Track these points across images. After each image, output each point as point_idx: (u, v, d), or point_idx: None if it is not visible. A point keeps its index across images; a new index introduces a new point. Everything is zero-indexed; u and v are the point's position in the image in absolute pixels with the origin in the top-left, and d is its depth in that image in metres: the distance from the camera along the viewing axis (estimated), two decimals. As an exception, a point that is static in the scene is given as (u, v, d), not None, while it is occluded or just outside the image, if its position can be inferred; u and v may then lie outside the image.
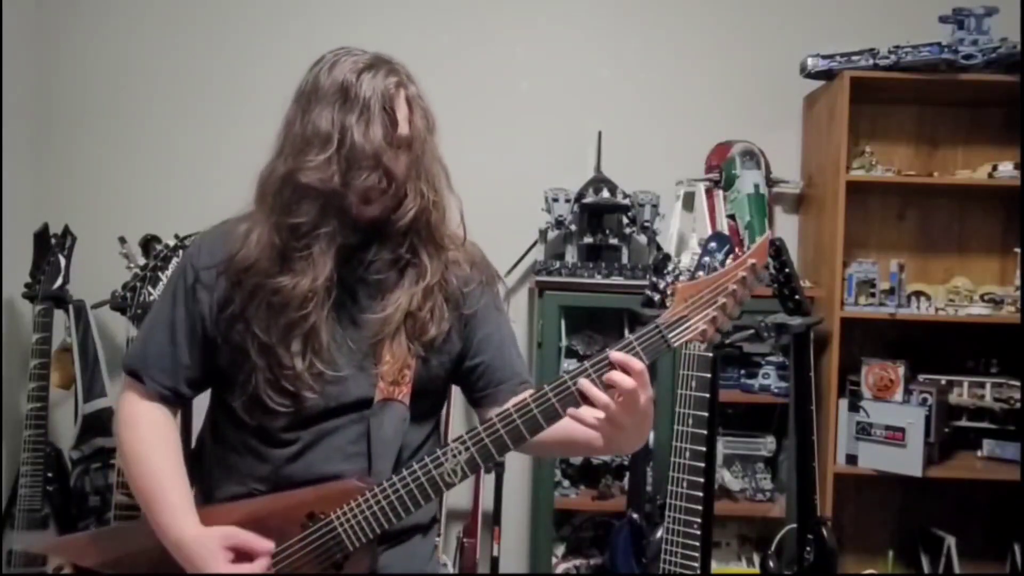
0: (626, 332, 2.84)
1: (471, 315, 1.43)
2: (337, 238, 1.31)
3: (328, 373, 1.33)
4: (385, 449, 1.36)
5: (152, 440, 1.38)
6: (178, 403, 1.43)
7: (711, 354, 2.03)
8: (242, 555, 1.31)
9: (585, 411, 1.26)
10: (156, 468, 1.36)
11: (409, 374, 1.37)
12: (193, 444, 1.50)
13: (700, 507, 1.99)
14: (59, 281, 2.60)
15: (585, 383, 1.25)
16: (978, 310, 2.79)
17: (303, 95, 1.34)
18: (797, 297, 2.24)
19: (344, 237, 1.32)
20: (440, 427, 1.53)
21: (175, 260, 2.31)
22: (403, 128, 1.32)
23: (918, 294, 2.80)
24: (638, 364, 1.24)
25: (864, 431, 2.69)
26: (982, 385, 2.79)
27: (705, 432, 1.99)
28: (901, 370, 2.71)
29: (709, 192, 2.86)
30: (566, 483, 2.84)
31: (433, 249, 1.38)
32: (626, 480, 2.73)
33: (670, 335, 1.26)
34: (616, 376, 1.23)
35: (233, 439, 1.40)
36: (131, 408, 1.40)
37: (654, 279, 2.32)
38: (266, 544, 1.31)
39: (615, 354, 1.24)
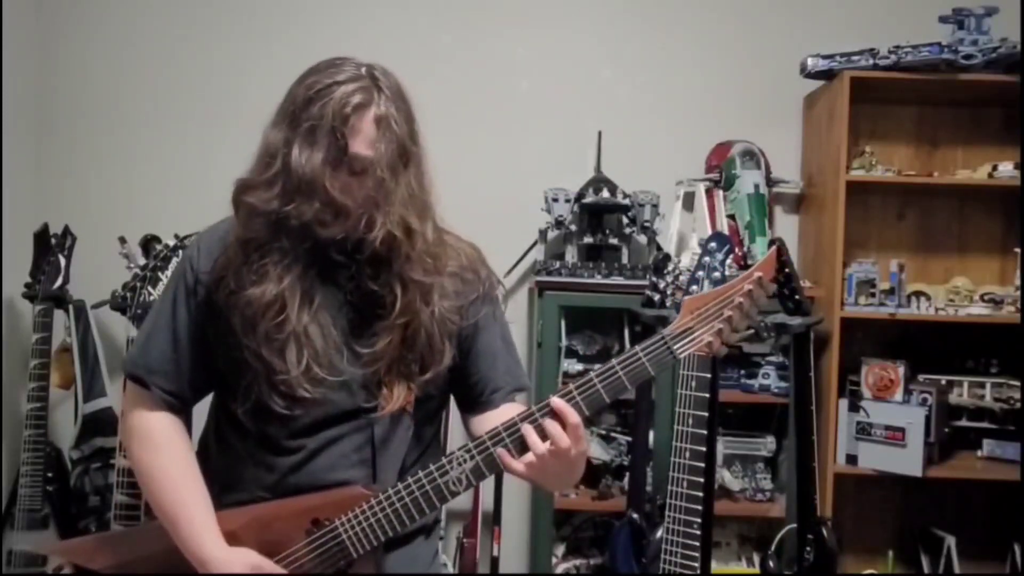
0: (626, 333, 2.84)
1: (469, 326, 1.40)
2: (292, 252, 1.28)
3: (329, 378, 1.31)
4: (390, 456, 1.35)
5: (165, 451, 1.37)
6: (184, 408, 1.42)
7: (711, 354, 2.02)
8: None
9: (510, 458, 1.26)
10: (175, 484, 1.35)
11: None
12: (196, 446, 1.48)
13: (700, 507, 1.98)
14: (59, 281, 2.60)
15: (527, 429, 1.24)
16: (978, 310, 2.79)
17: (279, 104, 1.30)
18: (797, 297, 2.23)
19: (309, 248, 1.28)
20: (440, 432, 1.52)
21: (175, 260, 2.31)
22: (359, 150, 1.24)
23: (918, 294, 2.80)
24: (574, 417, 1.23)
25: (864, 431, 2.69)
26: (982, 385, 2.79)
27: (705, 432, 1.98)
28: (901, 370, 2.70)
29: (709, 192, 2.86)
30: (566, 483, 2.84)
31: (407, 282, 1.31)
32: (626, 480, 2.73)
33: (676, 346, 1.27)
34: (552, 429, 1.23)
35: (238, 447, 1.38)
36: (139, 418, 1.39)
37: (654, 279, 2.32)
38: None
39: (556, 401, 1.24)
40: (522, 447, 1.26)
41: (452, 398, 1.50)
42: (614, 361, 1.26)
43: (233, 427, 1.38)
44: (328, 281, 1.33)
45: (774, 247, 1.48)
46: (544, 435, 1.24)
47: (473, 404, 1.44)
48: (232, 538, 1.33)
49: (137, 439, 1.38)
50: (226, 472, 1.39)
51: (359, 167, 1.25)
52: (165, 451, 1.37)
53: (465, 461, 1.28)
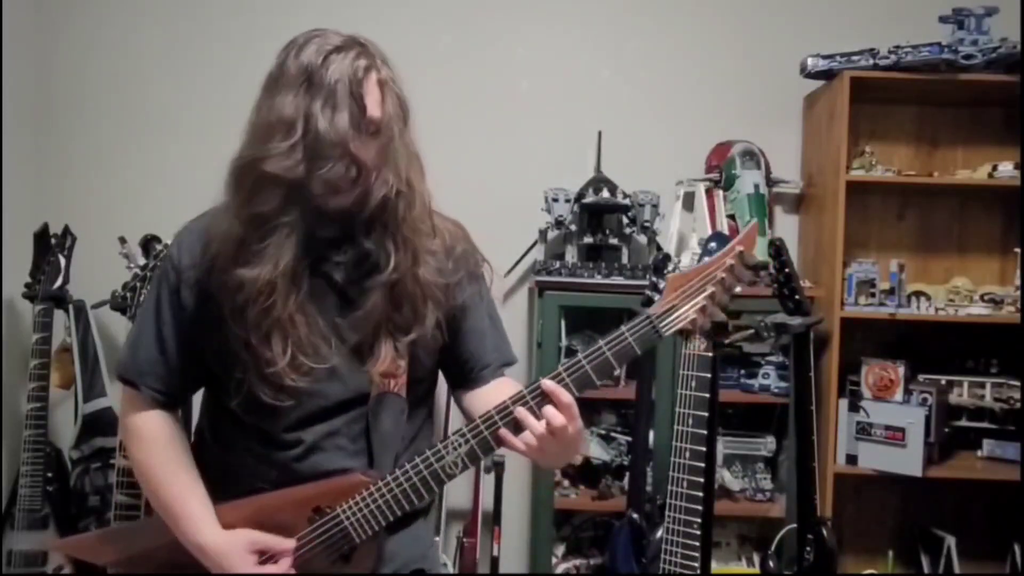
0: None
1: (457, 307, 1.42)
2: (299, 227, 1.28)
3: (315, 367, 1.31)
4: (385, 443, 1.37)
5: (161, 449, 1.39)
6: (176, 405, 1.45)
7: (711, 354, 2.02)
8: (265, 555, 1.34)
9: (513, 437, 1.28)
10: (170, 478, 1.38)
11: (403, 366, 1.37)
12: (192, 437, 1.50)
13: (700, 507, 1.99)
14: (59, 281, 2.60)
15: (522, 412, 1.26)
16: (978, 310, 2.79)
17: (270, 80, 1.30)
18: (797, 297, 2.24)
19: (308, 227, 1.29)
20: (432, 414, 1.54)
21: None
22: (373, 112, 1.27)
23: (918, 294, 2.80)
24: (566, 397, 1.25)
25: (864, 431, 2.69)
26: (982, 385, 2.79)
27: (705, 432, 1.98)
28: (901, 370, 2.70)
29: (709, 192, 2.86)
30: (566, 483, 2.84)
31: (400, 241, 1.33)
32: (626, 480, 2.73)
33: (660, 324, 1.29)
34: (548, 410, 1.25)
35: (236, 443, 1.40)
36: (133, 418, 1.41)
37: (654, 279, 2.32)
38: (287, 543, 1.34)
39: (546, 383, 1.26)
40: (516, 429, 1.28)
41: (443, 379, 1.52)
42: (601, 342, 1.28)
43: (230, 423, 1.39)
44: (317, 274, 1.34)
45: (753, 221, 1.49)
46: (538, 416, 1.26)
47: (463, 381, 1.47)
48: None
49: (133, 438, 1.41)
50: (225, 466, 1.41)
51: (372, 129, 1.27)
52: (159, 447, 1.39)
53: (460, 446, 1.30)
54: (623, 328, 1.29)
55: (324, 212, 1.29)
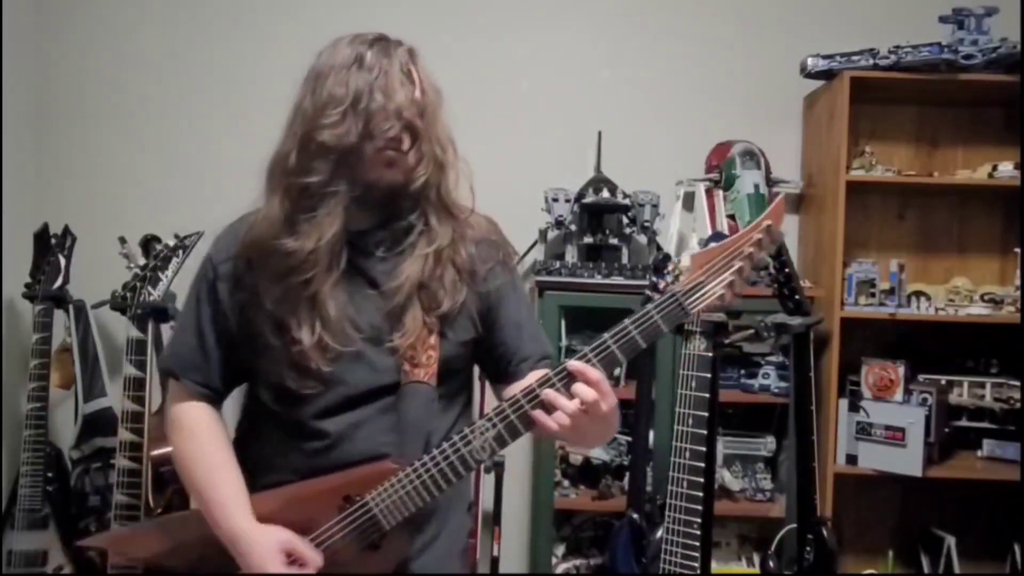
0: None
1: (490, 295, 1.43)
2: (346, 200, 1.31)
3: (341, 349, 1.33)
4: (414, 431, 1.38)
5: (199, 438, 1.43)
6: (218, 398, 1.47)
7: (711, 354, 2.02)
8: (294, 561, 1.34)
9: (546, 417, 1.27)
10: (206, 465, 1.41)
11: (434, 356, 1.38)
12: (233, 434, 1.52)
13: (700, 507, 1.99)
14: (59, 281, 2.60)
15: (550, 393, 1.26)
16: (978, 310, 2.79)
17: (312, 74, 1.36)
18: (797, 297, 2.24)
19: (353, 195, 1.32)
20: (471, 410, 1.54)
21: (175, 260, 2.34)
22: (418, 95, 1.35)
23: (918, 294, 2.80)
24: (595, 374, 1.26)
25: (864, 431, 2.69)
26: (982, 385, 2.79)
27: (705, 432, 1.98)
28: (901, 370, 2.70)
29: (709, 192, 2.86)
30: (566, 483, 2.84)
31: (444, 215, 1.39)
32: (626, 480, 2.73)
33: (687, 302, 1.27)
34: (578, 388, 1.25)
35: (268, 435, 1.43)
36: (175, 409, 1.46)
37: (654, 279, 2.31)
38: (318, 558, 1.34)
39: (572, 363, 1.27)
40: (546, 411, 1.27)
41: (479, 375, 1.53)
42: (627, 321, 1.28)
43: (263, 415, 1.43)
44: (352, 265, 1.37)
45: (781, 196, 1.47)
46: (567, 396, 1.26)
47: (502, 375, 1.47)
48: (267, 521, 1.36)
49: (175, 428, 1.46)
50: (259, 457, 1.43)
51: (418, 111, 1.34)
52: (198, 436, 1.43)
53: (487, 430, 1.30)
54: (649, 307, 1.28)
55: (374, 189, 1.33)
